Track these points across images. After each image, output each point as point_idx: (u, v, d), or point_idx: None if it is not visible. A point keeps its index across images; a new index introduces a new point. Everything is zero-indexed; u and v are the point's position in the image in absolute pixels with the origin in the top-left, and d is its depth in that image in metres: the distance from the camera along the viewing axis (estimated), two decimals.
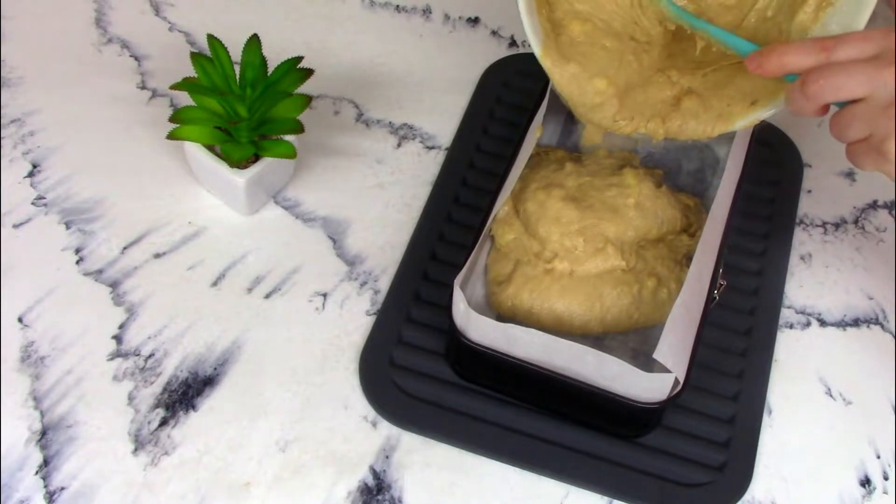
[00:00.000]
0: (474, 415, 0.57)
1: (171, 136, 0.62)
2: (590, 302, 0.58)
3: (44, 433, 0.56)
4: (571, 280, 0.59)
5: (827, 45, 0.50)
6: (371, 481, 0.55)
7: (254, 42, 0.62)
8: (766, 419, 0.59)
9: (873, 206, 0.71)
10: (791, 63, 0.51)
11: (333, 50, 0.76)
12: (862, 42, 0.50)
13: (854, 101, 0.50)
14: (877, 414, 0.60)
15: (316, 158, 0.69)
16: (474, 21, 0.80)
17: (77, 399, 0.57)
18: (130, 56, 0.74)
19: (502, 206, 0.60)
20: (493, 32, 0.79)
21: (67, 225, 0.64)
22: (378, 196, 0.68)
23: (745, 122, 0.57)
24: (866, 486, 0.57)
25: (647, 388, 0.52)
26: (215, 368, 0.59)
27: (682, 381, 0.51)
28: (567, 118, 0.69)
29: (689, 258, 0.55)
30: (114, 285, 0.62)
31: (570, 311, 0.58)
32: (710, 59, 0.60)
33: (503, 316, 0.59)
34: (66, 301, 0.61)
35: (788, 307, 0.64)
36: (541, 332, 0.52)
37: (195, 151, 0.63)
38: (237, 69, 0.63)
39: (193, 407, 0.57)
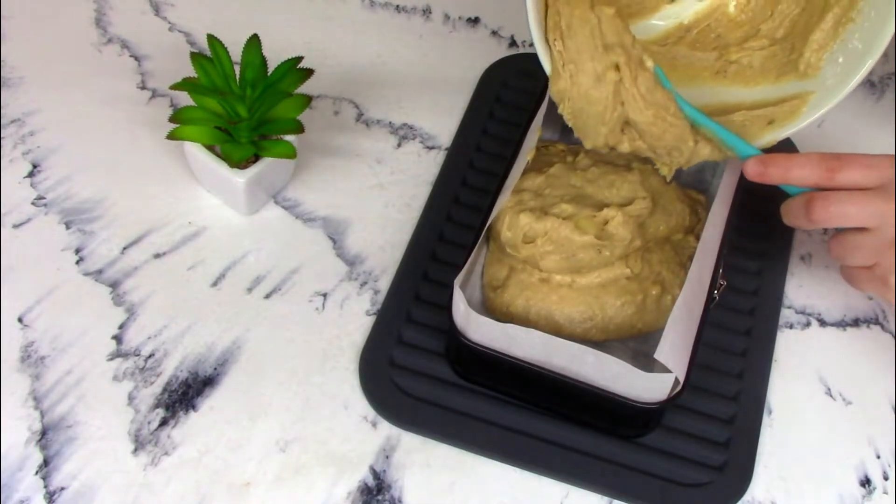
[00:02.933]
0: (474, 415, 0.57)
1: (171, 136, 0.62)
2: (591, 311, 0.58)
3: (44, 433, 0.56)
4: (571, 290, 0.58)
5: (832, 166, 0.50)
6: (371, 481, 0.55)
7: (254, 42, 0.62)
8: (766, 419, 0.59)
9: None
10: (795, 177, 0.51)
11: (333, 50, 0.76)
12: (866, 169, 0.50)
13: (857, 229, 0.50)
14: (877, 414, 0.60)
15: (316, 158, 0.69)
16: (474, 21, 0.80)
17: (77, 399, 0.57)
18: (130, 56, 0.74)
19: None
20: (493, 32, 0.79)
21: (67, 225, 0.64)
22: (378, 196, 0.68)
23: (762, 142, 0.56)
24: (866, 486, 0.58)
25: (648, 388, 0.52)
26: (215, 368, 0.59)
27: (682, 381, 0.51)
28: None
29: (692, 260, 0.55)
30: (114, 285, 0.62)
31: (571, 320, 0.58)
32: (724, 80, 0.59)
33: (500, 321, 0.59)
34: (66, 301, 0.61)
35: (788, 307, 0.64)
36: (541, 332, 0.52)
37: (195, 151, 0.63)
38: (237, 69, 0.63)
39: (193, 407, 0.57)
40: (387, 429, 0.57)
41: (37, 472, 0.54)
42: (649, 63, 0.52)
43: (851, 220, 0.50)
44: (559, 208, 0.58)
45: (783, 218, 0.54)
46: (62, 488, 0.54)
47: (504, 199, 0.58)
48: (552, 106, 0.63)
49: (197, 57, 0.62)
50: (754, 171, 0.52)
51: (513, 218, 0.58)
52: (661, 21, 0.61)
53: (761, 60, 0.58)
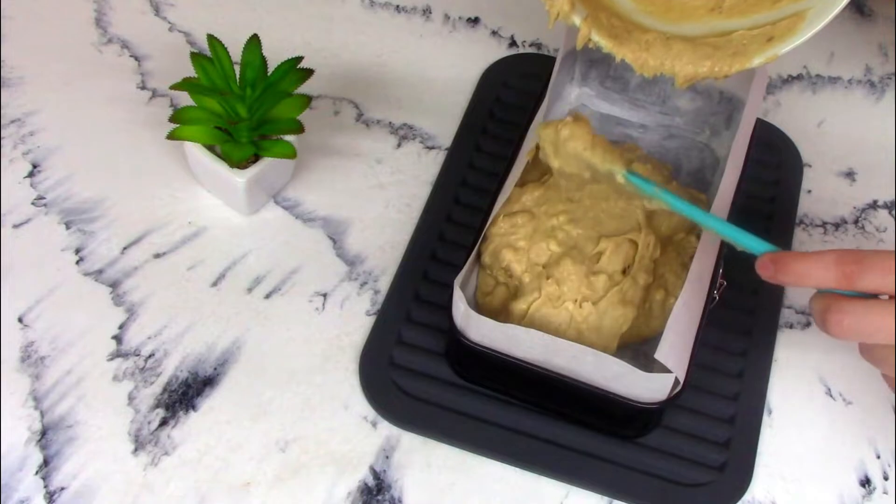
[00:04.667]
0: (474, 415, 0.57)
1: (171, 136, 0.62)
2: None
3: (44, 433, 0.56)
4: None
5: (849, 272, 0.46)
6: (371, 481, 0.55)
7: (254, 42, 0.62)
8: (766, 419, 0.59)
9: (873, 206, 0.71)
10: (810, 280, 0.47)
11: (333, 50, 0.76)
12: (888, 274, 0.45)
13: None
14: (877, 414, 0.60)
15: (316, 158, 0.69)
16: (474, 21, 0.80)
17: (77, 399, 0.57)
18: (130, 56, 0.74)
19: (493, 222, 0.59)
20: (493, 32, 0.79)
21: (67, 225, 0.64)
22: (378, 196, 0.68)
23: (762, 58, 0.54)
24: (866, 486, 0.58)
25: (648, 388, 0.52)
26: (215, 368, 0.59)
27: (682, 381, 0.51)
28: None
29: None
30: (114, 285, 0.62)
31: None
32: None
33: None
34: (66, 301, 0.61)
35: (788, 307, 0.64)
36: (541, 333, 0.52)
37: (195, 151, 0.63)
38: (237, 69, 0.63)
39: (193, 407, 0.57)
40: (387, 429, 0.57)
41: (37, 472, 0.54)
42: (620, 178, 0.51)
43: (869, 337, 0.47)
44: (546, 246, 0.57)
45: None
46: (62, 488, 0.54)
47: (504, 199, 0.58)
48: (552, 106, 0.63)
49: (197, 57, 0.62)
50: (766, 273, 0.49)
51: (496, 248, 0.58)
52: None
53: None
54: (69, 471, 0.54)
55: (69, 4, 0.77)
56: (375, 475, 0.56)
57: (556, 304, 0.56)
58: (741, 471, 0.57)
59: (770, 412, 0.60)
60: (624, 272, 0.57)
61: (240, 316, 0.61)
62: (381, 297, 0.63)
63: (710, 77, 0.55)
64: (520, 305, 0.56)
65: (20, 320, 0.60)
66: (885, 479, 0.58)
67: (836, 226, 0.69)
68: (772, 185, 0.70)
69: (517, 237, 0.58)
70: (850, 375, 0.62)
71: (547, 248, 0.57)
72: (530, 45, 0.78)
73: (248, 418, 0.57)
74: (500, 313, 0.57)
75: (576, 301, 0.56)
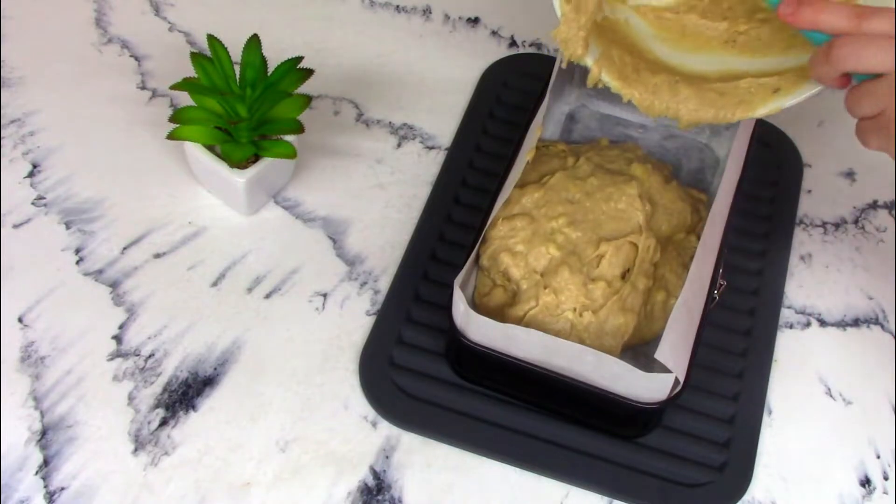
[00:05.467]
0: (474, 415, 0.57)
1: (171, 136, 0.62)
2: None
3: (44, 433, 0.56)
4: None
5: (863, 13, 0.49)
6: (371, 481, 0.55)
7: (254, 42, 0.62)
8: (766, 419, 0.59)
9: (873, 206, 0.71)
10: (824, 21, 0.50)
11: (333, 50, 0.76)
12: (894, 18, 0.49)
13: (874, 77, 0.49)
14: (877, 414, 0.60)
15: (316, 158, 0.69)
16: (474, 21, 0.80)
17: (77, 399, 0.57)
18: (130, 56, 0.74)
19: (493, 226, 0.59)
20: (493, 32, 0.79)
21: (67, 225, 0.64)
22: (378, 196, 0.68)
23: (766, 109, 0.56)
24: (866, 486, 0.58)
25: (647, 388, 0.52)
26: (215, 368, 0.59)
27: (682, 381, 0.51)
28: (567, 118, 0.69)
29: None
30: (114, 285, 0.62)
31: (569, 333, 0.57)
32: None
33: None
34: (66, 301, 0.61)
35: (788, 307, 0.64)
36: (541, 333, 0.52)
37: (195, 151, 0.63)
38: (237, 69, 0.63)
39: (193, 407, 0.57)
40: (387, 429, 0.57)
41: (37, 472, 0.54)
42: None
43: (865, 61, 0.49)
44: (546, 250, 0.57)
45: (811, 73, 0.52)
46: (62, 488, 0.54)
47: (504, 199, 0.58)
48: (552, 106, 0.63)
49: (197, 57, 0.62)
50: (788, 10, 0.51)
51: (494, 251, 0.58)
52: None
53: (769, 33, 0.58)
54: (69, 471, 0.54)
55: (69, 4, 0.77)
56: (375, 475, 0.56)
57: (554, 313, 0.56)
58: (741, 471, 0.57)
59: (770, 412, 0.60)
60: (623, 276, 0.57)
61: (240, 316, 0.61)
62: (381, 297, 0.63)
63: (713, 122, 0.56)
64: (516, 312, 0.56)
65: (20, 320, 0.60)
66: (885, 479, 0.58)
67: (836, 226, 0.69)
68: (772, 185, 0.70)
69: (516, 241, 0.58)
70: (850, 375, 0.62)
71: (546, 251, 0.57)
72: (530, 45, 0.78)
73: (248, 418, 0.57)
74: (497, 315, 0.57)
75: (575, 310, 0.56)
